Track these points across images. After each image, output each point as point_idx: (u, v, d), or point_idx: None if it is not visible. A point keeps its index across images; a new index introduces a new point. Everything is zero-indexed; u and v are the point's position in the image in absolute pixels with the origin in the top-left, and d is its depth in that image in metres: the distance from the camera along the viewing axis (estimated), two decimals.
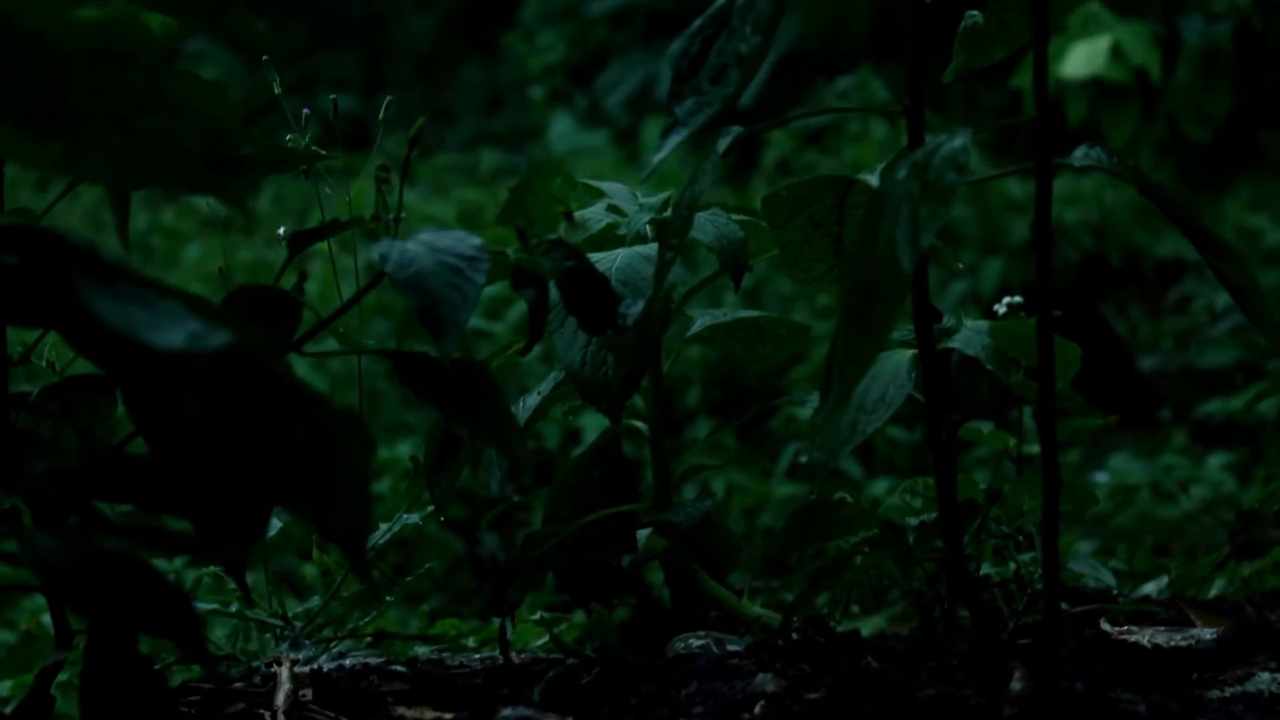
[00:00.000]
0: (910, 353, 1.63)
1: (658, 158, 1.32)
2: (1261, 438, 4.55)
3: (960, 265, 5.75)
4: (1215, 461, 4.43)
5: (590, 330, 1.40)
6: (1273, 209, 7.26)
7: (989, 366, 1.63)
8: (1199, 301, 5.54)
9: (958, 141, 1.25)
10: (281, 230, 2.04)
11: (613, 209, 1.85)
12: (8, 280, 1.00)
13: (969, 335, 1.65)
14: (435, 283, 1.29)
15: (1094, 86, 5.33)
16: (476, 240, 1.32)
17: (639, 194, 1.91)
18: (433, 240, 1.33)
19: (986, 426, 2.27)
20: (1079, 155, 1.42)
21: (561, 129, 10.53)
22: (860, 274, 1.24)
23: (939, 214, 1.21)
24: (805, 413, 4.73)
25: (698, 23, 1.35)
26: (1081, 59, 5.16)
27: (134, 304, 0.99)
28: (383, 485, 4.53)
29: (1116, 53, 5.12)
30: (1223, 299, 5.28)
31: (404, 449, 4.64)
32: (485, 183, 7.49)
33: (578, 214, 1.83)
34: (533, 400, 1.78)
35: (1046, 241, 1.34)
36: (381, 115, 1.93)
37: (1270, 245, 6.33)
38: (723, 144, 1.42)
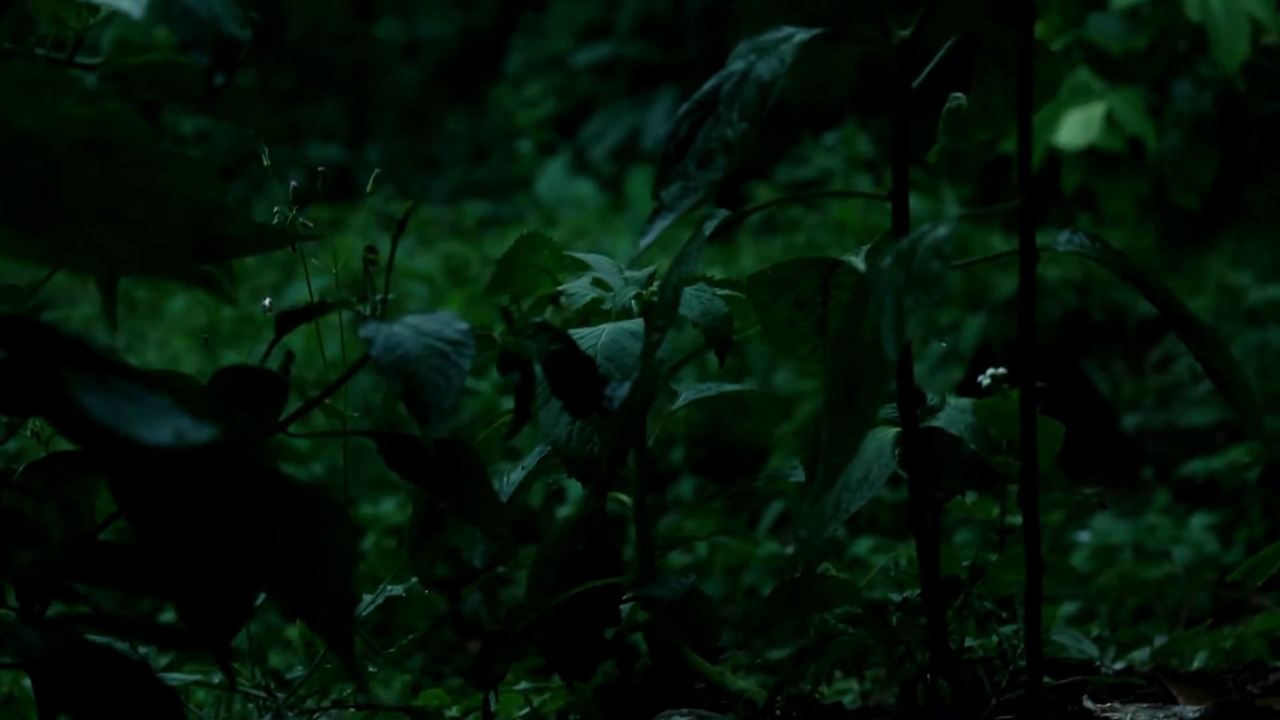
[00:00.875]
0: (894, 431, 1.63)
1: (645, 242, 1.33)
2: (1244, 498, 4.55)
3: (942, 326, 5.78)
4: (1198, 522, 4.44)
5: (576, 414, 1.41)
6: (1256, 264, 7.29)
7: (972, 446, 1.64)
8: (1182, 361, 5.55)
9: (941, 231, 1.26)
10: (267, 301, 2.05)
11: (598, 283, 1.86)
12: None
13: (952, 414, 1.66)
14: (421, 367, 1.29)
15: (1089, 155, 5.36)
16: (462, 324, 1.33)
17: (623, 267, 1.91)
18: (419, 324, 1.33)
19: (970, 495, 2.27)
20: (1062, 240, 1.43)
21: (547, 179, 10.56)
22: (845, 362, 1.25)
23: (924, 303, 1.22)
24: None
25: (685, 107, 1.36)
26: (1077, 128, 5.18)
27: (122, 398, 0.99)
28: (366, 542, 4.52)
29: (1111, 121, 5.14)
30: None
31: (387, 505, 4.63)
32: (470, 235, 7.49)
33: (563, 287, 1.84)
34: (517, 475, 1.78)
35: (1030, 331, 1.35)
36: (369, 188, 1.93)
37: (1252, 303, 6.36)
38: (709, 227, 1.43)
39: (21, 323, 1.07)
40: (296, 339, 4.69)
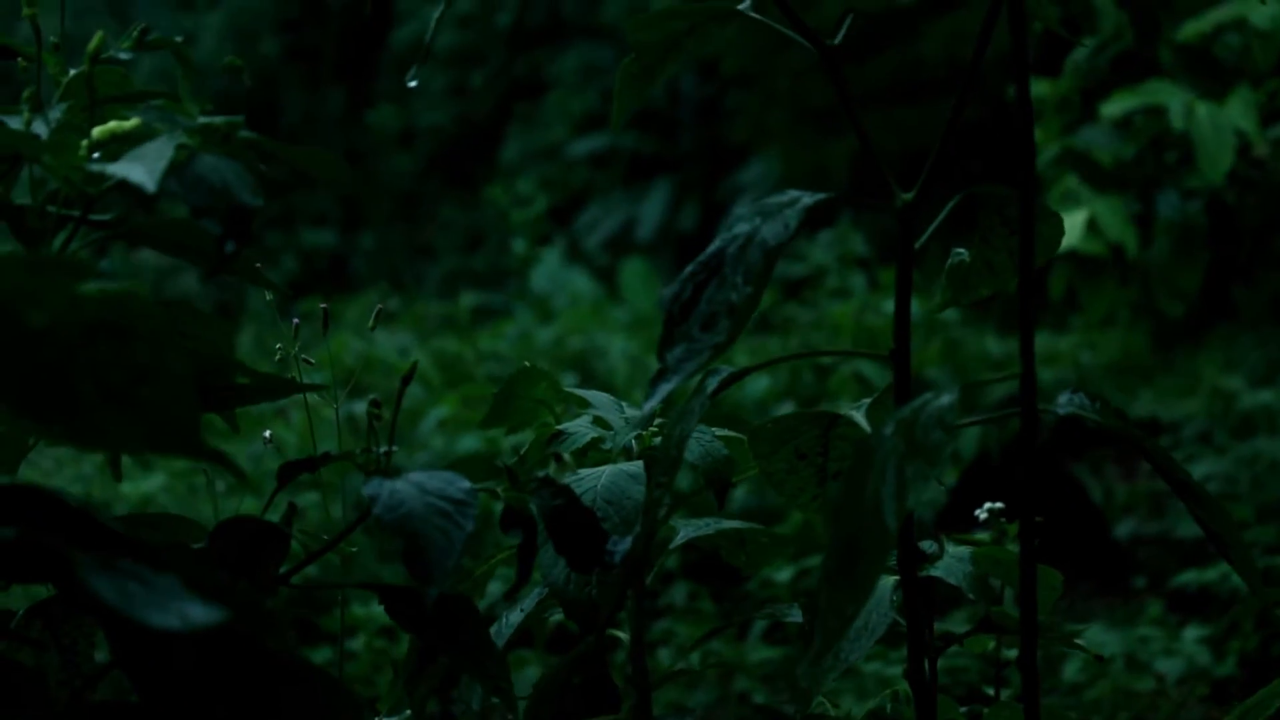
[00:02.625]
0: (892, 579, 1.64)
1: (648, 405, 1.33)
2: (1236, 610, 4.54)
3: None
4: (1190, 634, 4.43)
5: (578, 569, 1.41)
6: (1247, 363, 7.32)
7: (971, 596, 1.64)
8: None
9: (945, 399, 1.26)
10: (268, 434, 2.05)
11: (598, 421, 1.86)
12: (5, 553, 1.01)
13: (951, 563, 1.66)
14: (424, 526, 1.30)
15: (1071, 259, 5.39)
16: (465, 483, 1.33)
17: (624, 405, 1.92)
18: (423, 481, 1.34)
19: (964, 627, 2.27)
20: (1062, 402, 1.44)
21: (542, 268, 10.60)
22: (845, 528, 1.25)
23: (926, 474, 1.22)
24: (783, 576, 4.75)
25: (689, 269, 1.37)
26: None
27: (130, 579, 1.00)
28: (358, 643, 4.51)
29: (1093, 227, 5.19)
30: (1199, 470, 5.30)
31: (379, 606, 4.62)
32: (465, 329, 7.51)
33: (563, 426, 1.85)
34: (515, 618, 1.78)
35: (1032, 502, 1.35)
36: (372, 324, 1.93)
37: (1245, 408, 6.38)
38: (712, 384, 1.44)
39: (27, 494, 1.08)
40: (289, 434, 4.66)
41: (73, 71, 1.45)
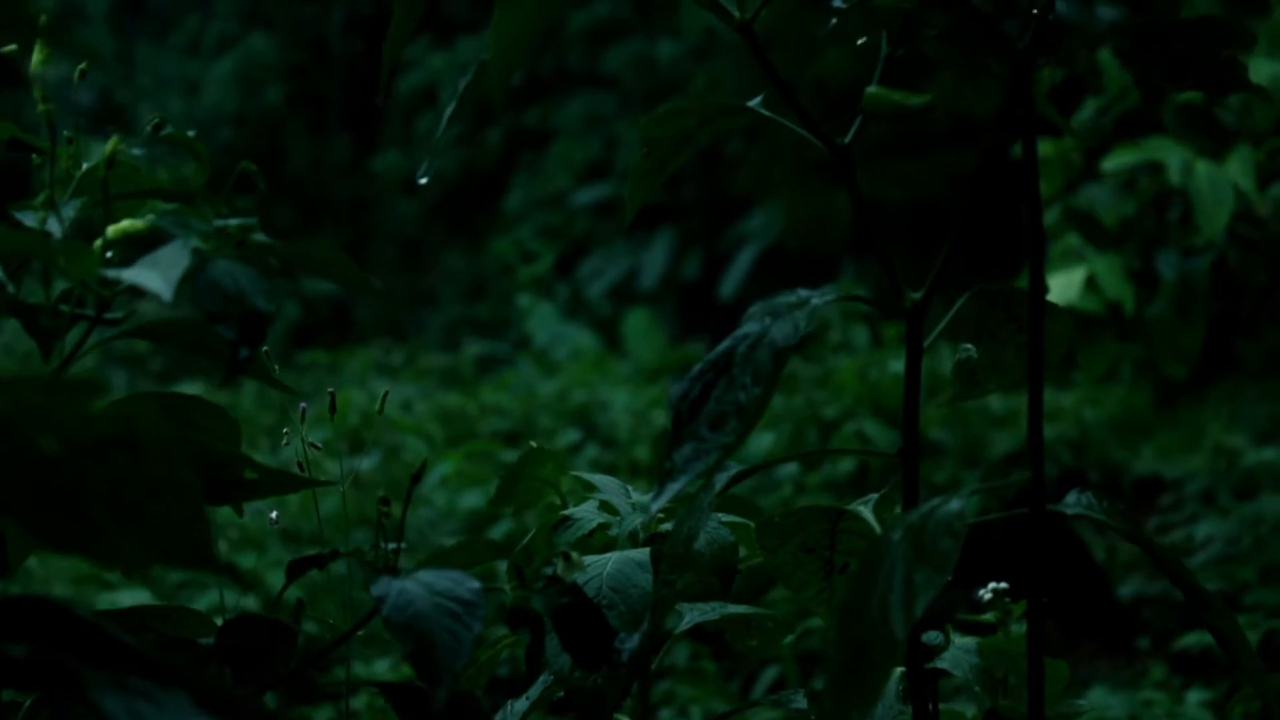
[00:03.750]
0: (898, 670, 1.64)
1: (655, 506, 1.33)
2: (1239, 674, 4.53)
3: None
4: (1194, 698, 4.42)
5: (585, 667, 1.41)
6: (1250, 417, 7.31)
7: (976, 689, 1.64)
8: (1178, 531, 5.56)
9: (954, 505, 1.27)
10: (274, 515, 2.06)
11: (604, 506, 1.87)
12: (15, 670, 1.01)
13: (957, 655, 1.66)
14: (433, 627, 1.30)
15: (1070, 316, 5.40)
16: (474, 584, 1.33)
17: (629, 489, 1.92)
18: (431, 581, 1.34)
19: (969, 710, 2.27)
20: (1070, 502, 1.44)
21: (543, 319, 10.61)
22: (852, 633, 1.25)
23: (934, 581, 1.22)
24: (784, 636, 4.72)
25: (698, 367, 1.37)
26: (1057, 289, 5.24)
27: (140, 698, 1.00)
28: (359, 701, 4.50)
29: (1091, 285, 5.20)
30: (1202, 530, 5.30)
31: (380, 665, 4.61)
32: (468, 381, 7.52)
33: (569, 511, 1.85)
34: (520, 705, 1.78)
35: (1040, 620, 1.35)
36: (380, 407, 1.94)
37: (1248, 465, 6.37)
38: (720, 481, 1.44)
39: (38, 606, 1.08)
40: (292, 497, 4.64)
41: (86, 166, 1.46)
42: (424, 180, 1.53)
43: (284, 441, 1.82)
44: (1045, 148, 5.46)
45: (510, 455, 5.58)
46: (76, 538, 0.96)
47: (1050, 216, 5.20)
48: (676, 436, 1.36)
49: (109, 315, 1.34)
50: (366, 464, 5.33)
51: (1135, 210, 5.25)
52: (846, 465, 5.32)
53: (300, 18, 14.03)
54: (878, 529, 1.48)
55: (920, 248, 9.39)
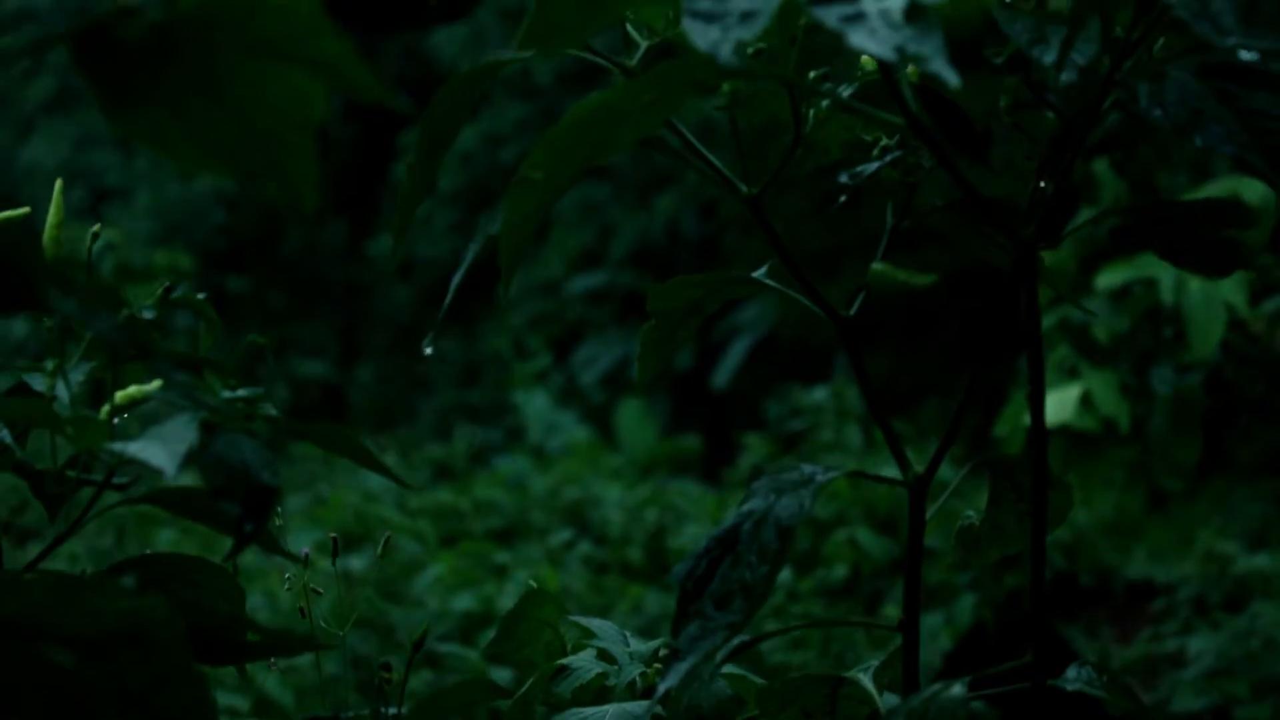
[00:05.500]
0: None
1: (663, 687, 1.33)
2: None
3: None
4: None
5: None
6: (1242, 517, 7.31)
7: None
8: (1171, 642, 5.55)
9: (955, 690, 1.27)
10: (272, 662, 2.05)
11: (602, 655, 1.87)
12: None
13: None
14: None
15: (1063, 434, 5.42)
16: None
17: (628, 635, 1.92)
18: None
19: None
20: (1070, 676, 1.45)
21: (536, 406, 10.61)
22: None
23: None
24: None
25: (704, 544, 1.38)
26: (1052, 407, 5.25)
27: None
28: None
29: (1086, 402, 5.23)
30: (1195, 644, 5.29)
31: None
32: (461, 474, 7.51)
33: (567, 660, 1.85)
34: None
35: None
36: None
37: (1240, 572, 6.37)
38: (721, 655, 1.44)
39: None
40: (285, 596, 4.64)
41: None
42: (429, 350, 1.54)
43: (286, 587, 1.82)
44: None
45: (503, 555, 5.58)
46: None
47: (1043, 326, 5.21)
48: (682, 614, 1.37)
49: (117, 480, 1.35)
50: (359, 563, 5.32)
51: (1129, 325, 5.28)
52: (840, 571, 5.32)
53: None
54: (879, 699, 1.49)
55: (916, 349, 9.42)
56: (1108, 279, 5.19)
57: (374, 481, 6.81)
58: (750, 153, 1.59)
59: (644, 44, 1.51)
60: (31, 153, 13.26)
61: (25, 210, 1.51)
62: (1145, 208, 1.45)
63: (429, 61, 13.65)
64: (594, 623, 1.97)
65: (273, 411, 1.27)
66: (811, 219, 8.54)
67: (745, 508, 1.38)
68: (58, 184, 1.45)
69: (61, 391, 1.35)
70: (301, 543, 5.10)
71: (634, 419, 10.22)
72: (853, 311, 1.49)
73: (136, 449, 1.21)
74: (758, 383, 10.88)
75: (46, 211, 1.50)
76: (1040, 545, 1.46)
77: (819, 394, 7.46)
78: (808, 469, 1.40)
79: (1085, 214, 4.35)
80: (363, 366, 12.86)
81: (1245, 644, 5.20)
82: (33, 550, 6.07)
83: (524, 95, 12.75)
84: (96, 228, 1.50)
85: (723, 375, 11.46)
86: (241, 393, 1.28)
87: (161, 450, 1.20)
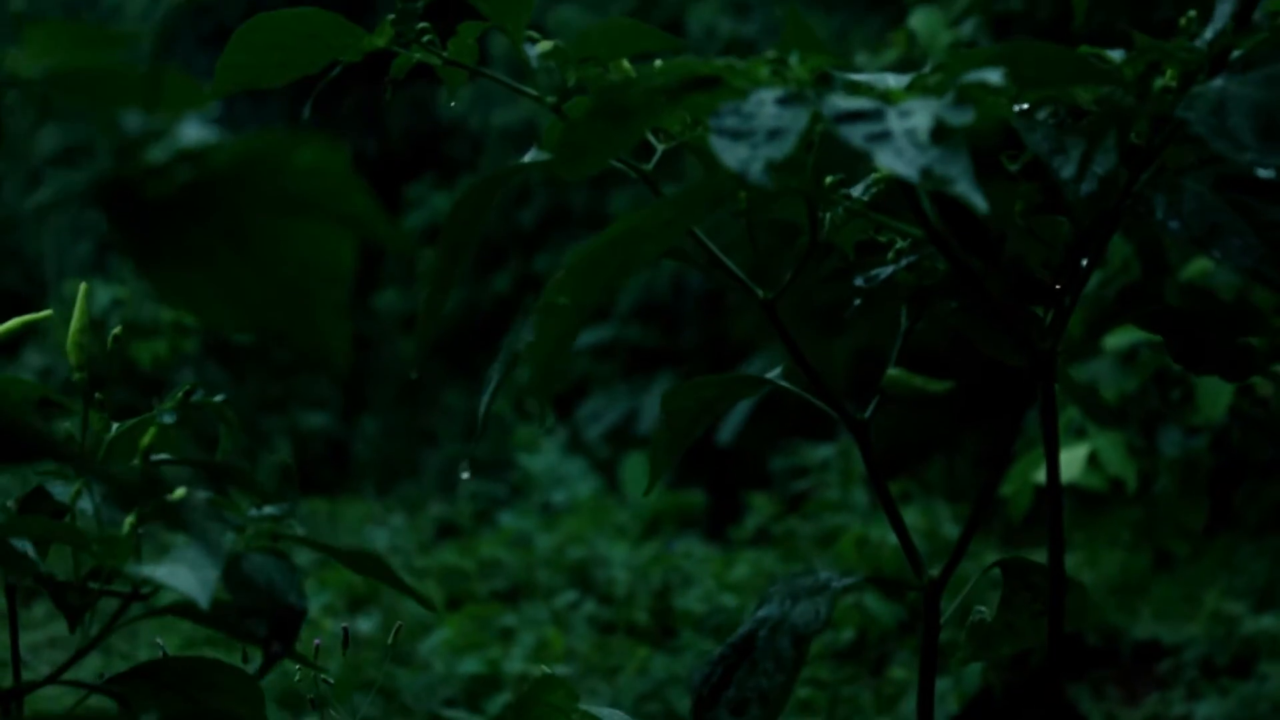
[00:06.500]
0: None
1: None
2: None
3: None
4: None
5: None
6: (1248, 573, 7.31)
7: None
8: (1178, 707, 5.54)
9: None
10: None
11: None
12: None
13: None
14: None
15: (1070, 493, 5.41)
16: None
17: None
18: None
19: None
20: None
21: (543, 460, 10.60)
22: None
23: None
24: None
25: (721, 650, 1.38)
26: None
27: None
28: None
29: (1093, 461, 5.22)
30: (1202, 709, 5.28)
31: None
32: (467, 532, 7.51)
33: None
34: None
35: None
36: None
37: (1246, 633, 6.37)
38: None
39: None
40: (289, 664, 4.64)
41: (115, 428, 1.48)
42: (465, 475, 1.55)
43: (295, 679, 1.83)
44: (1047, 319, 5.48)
45: (509, 617, 5.58)
46: None
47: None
48: None
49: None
50: (366, 624, 5.32)
51: (1137, 386, 5.28)
52: (847, 634, 5.32)
53: None
54: None
55: (922, 405, 9.39)
56: (1116, 340, 5.20)
57: (380, 540, 6.82)
58: (764, 252, 1.60)
59: (661, 147, 1.52)
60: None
61: (48, 313, 1.52)
62: (1161, 311, 1.46)
63: (436, 115, 13.70)
64: (604, 711, 1.97)
65: (299, 530, 1.28)
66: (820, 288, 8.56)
67: (760, 613, 1.39)
68: (81, 289, 1.46)
69: (86, 504, 1.35)
70: (309, 605, 5.09)
71: (639, 473, 10.22)
72: (867, 414, 1.50)
73: (165, 574, 1.22)
74: (763, 437, 10.88)
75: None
76: (1056, 645, 1.46)
77: (825, 451, 7.46)
78: (823, 575, 1.40)
79: (1095, 277, 4.34)
80: (367, 419, 12.86)
81: (1253, 709, 5.19)
82: (38, 609, 6.02)
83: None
84: (117, 329, 1.51)
85: (728, 430, 11.46)
86: (268, 510, 1.28)
87: (192, 578, 1.20)
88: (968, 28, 6.93)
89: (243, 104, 13.17)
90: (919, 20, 6.83)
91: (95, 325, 1.53)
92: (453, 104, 1.79)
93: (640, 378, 12.10)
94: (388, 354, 13.31)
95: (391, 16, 1.57)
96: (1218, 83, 1.26)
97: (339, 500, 8.02)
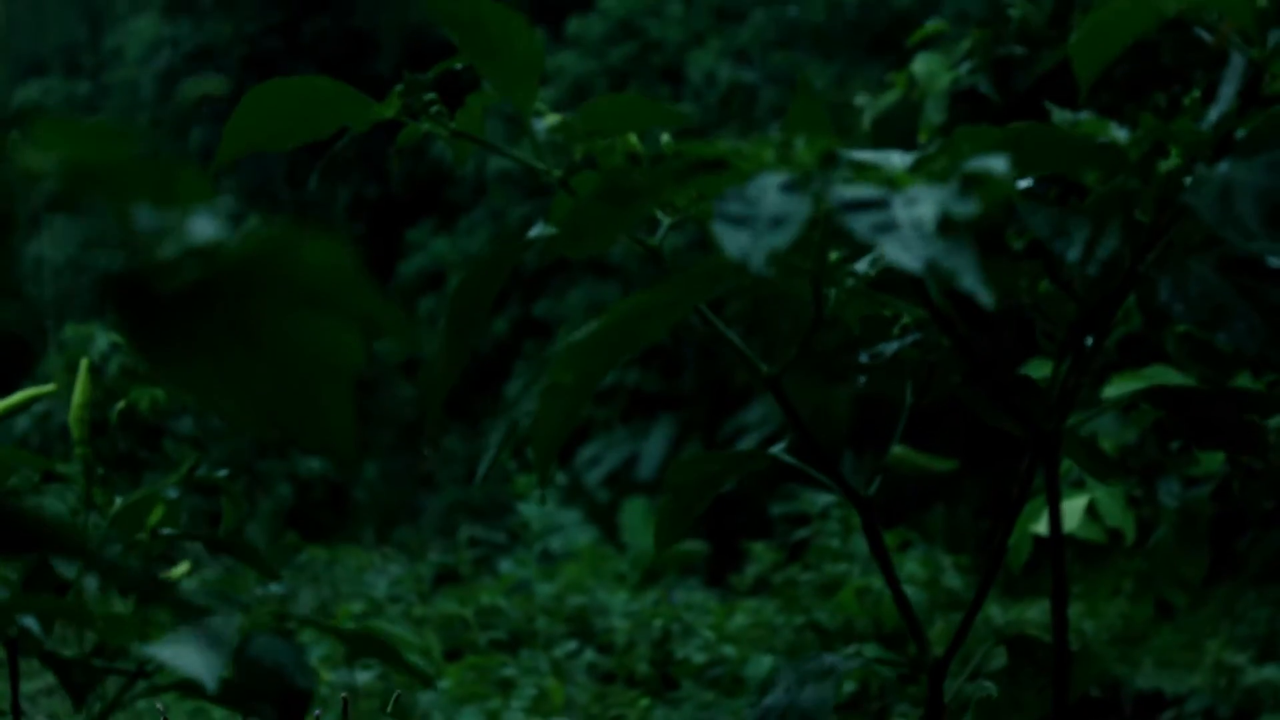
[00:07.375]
0: None
1: None
2: None
3: None
4: None
5: None
6: (1250, 624, 7.30)
7: None
8: None
9: None
10: None
11: None
12: None
13: None
14: None
15: (1069, 544, 5.41)
16: None
17: None
18: None
19: None
20: None
21: (540, 510, 10.58)
22: None
23: None
24: None
25: None
26: None
27: None
28: None
29: (1091, 512, 5.22)
30: None
31: None
32: (466, 579, 7.50)
33: None
34: None
35: None
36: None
37: (1249, 683, 6.36)
38: None
39: None
40: None
41: (119, 502, 1.48)
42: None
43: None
44: (1044, 369, 5.49)
45: (509, 668, 5.56)
46: None
47: None
48: None
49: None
50: (365, 676, 5.31)
51: (1136, 436, 5.27)
52: (848, 686, 5.30)
53: (304, 199, 14.19)
54: None
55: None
56: (1115, 390, 5.19)
57: (380, 589, 6.81)
58: (769, 325, 1.60)
59: (667, 221, 1.52)
60: (38, 248, 13.32)
61: (52, 387, 1.52)
62: (1167, 392, 1.46)
63: (437, 159, 13.73)
64: None
65: (305, 611, 1.27)
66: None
67: (768, 701, 1.38)
68: (83, 364, 1.47)
69: (90, 583, 1.35)
70: (315, 654, 5.12)
71: (638, 520, 10.21)
72: (871, 491, 1.50)
73: (171, 655, 1.21)
74: (763, 483, 10.88)
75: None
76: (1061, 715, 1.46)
77: (826, 499, 7.45)
78: (829, 659, 1.40)
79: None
80: (367, 464, 12.86)
81: None
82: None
83: (532, 194, 12.82)
84: (122, 405, 1.51)
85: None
86: (274, 588, 1.28)
87: (199, 660, 1.20)
88: (966, 68, 6.94)
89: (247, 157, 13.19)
90: (919, 64, 6.85)
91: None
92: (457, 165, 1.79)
93: (640, 422, 12.10)
94: (387, 398, 13.31)
95: (400, 88, 1.57)
96: (1223, 168, 1.26)
97: (338, 548, 8.01)
